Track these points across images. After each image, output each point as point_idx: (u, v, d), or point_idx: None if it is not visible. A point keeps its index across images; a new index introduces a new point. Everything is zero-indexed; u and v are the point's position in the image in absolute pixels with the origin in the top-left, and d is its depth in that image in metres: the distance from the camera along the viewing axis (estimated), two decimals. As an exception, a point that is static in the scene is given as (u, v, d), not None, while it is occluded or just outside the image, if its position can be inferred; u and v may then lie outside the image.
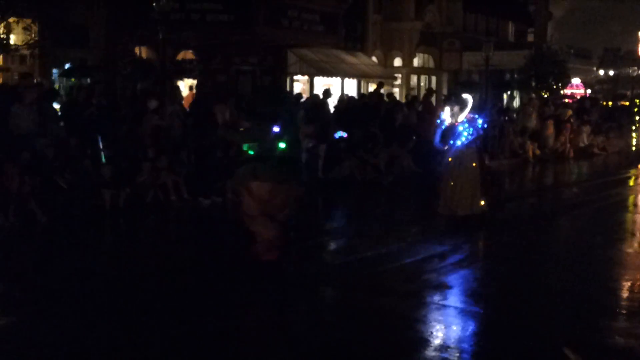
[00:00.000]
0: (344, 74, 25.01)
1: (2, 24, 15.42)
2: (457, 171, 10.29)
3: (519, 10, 37.54)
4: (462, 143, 10.29)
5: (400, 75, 29.30)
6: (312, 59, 24.03)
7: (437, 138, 10.45)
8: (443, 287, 7.50)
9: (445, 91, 30.85)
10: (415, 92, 27.60)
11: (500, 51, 30.07)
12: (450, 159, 10.32)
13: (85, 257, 8.55)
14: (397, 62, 29.75)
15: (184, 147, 13.05)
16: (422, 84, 30.66)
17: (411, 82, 30.23)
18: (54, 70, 18.88)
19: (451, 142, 10.33)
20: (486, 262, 8.90)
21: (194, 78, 21.49)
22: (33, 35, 15.99)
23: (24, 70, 16.10)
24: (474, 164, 10.28)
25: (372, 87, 24.90)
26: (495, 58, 28.00)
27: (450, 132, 10.33)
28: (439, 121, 10.50)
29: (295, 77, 24.52)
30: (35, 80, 16.03)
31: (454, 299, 7.21)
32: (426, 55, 31.08)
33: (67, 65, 19.32)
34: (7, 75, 18.05)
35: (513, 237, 10.33)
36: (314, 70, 24.03)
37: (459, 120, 10.27)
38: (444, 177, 10.45)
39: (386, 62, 29.11)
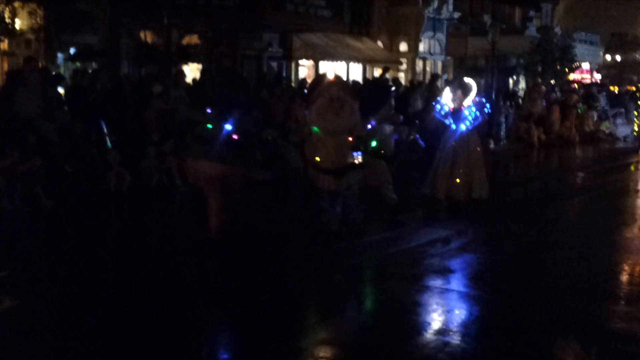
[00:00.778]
0: (349, 59, 24.94)
1: (8, 9, 15.42)
2: (461, 155, 10.26)
3: (525, -6, 37.28)
4: (467, 127, 10.26)
5: (405, 60, 29.21)
6: (317, 44, 23.96)
7: (437, 114, 10.43)
8: (446, 272, 7.54)
9: (450, 76, 30.77)
10: (420, 77, 27.51)
11: (506, 36, 29.95)
12: (453, 143, 10.28)
13: (89, 242, 8.60)
14: (403, 47, 29.64)
15: (188, 131, 13.03)
16: (427, 69, 30.55)
17: (417, 67, 30.12)
18: (59, 55, 18.86)
19: (454, 126, 10.29)
20: (489, 247, 8.92)
21: (199, 63, 21.48)
22: (38, 20, 16.00)
23: (30, 55, 16.09)
24: (478, 149, 10.30)
25: (377, 72, 24.83)
26: (501, 43, 27.88)
27: (455, 115, 10.30)
28: (438, 106, 10.45)
29: (300, 62, 24.47)
30: (40, 65, 16.06)
31: (457, 283, 7.29)
32: (432, 41, 30.95)
33: (72, 50, 19.31)
34: (12, 59, 18.06)
35: (516, 221, 10.35)
36: (319, 54, 23.97)
37: (465, 104, 10.24)
38: (443, 160, 10.36)
39: (392, 47, 29.01)
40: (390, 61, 26.26)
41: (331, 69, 23.26)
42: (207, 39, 21.89)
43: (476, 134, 10.35)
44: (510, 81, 32.91)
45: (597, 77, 38.82)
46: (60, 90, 13.43)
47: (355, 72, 25.56)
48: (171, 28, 16.43)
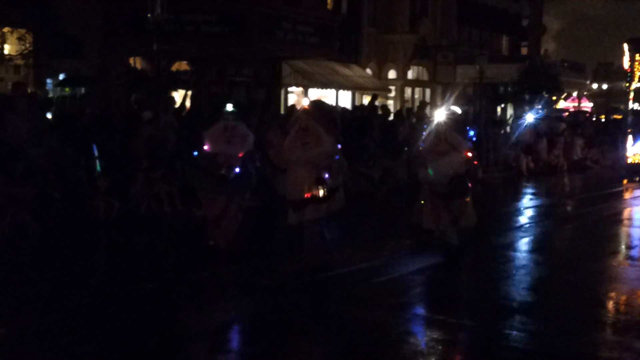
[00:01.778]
0: (338, 86, 25.06)
1: (-3, 34, 15.44)
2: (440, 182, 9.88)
3: (512, 23, 37.72)
4: None
5: (394, 88, 29.38)
6: (306, 71, 24.06)
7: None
8: (431, 301, 7.51)
9: (438, 104, 30.93)
10: (409, 105, 27.65)
11: (494, 64, 30.18)
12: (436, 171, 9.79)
13: (77, 269, 8.53)
14: (392, 74, 29.83)
15: (177, 157, 13.04)
16: (416, 96, 30.74)
17: (405, 95, 30.30)
18: (48, 81, 18.87)
19: None
20: (476, 276, 8.91)
21: (188, 89, 21.49)
22: (27, 45, 16.01)
23: (18, 80, 16.08)
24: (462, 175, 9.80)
25: (366, 99, 24.95)
26: (489, 71, 28.08)
27: None
28: (424, 134, 9.97)
29: (289, 89, 24.56)
30: (29, 90, 16.03)
31: (442, 312, 7.19)
32: (420, 68, 31.19)
33: (61, 76, 19.32)
34: (1, 85, 18.04)
35: (504, 249, 10.35)
36: (308, 82, 24.06)
37: None
38: (426, 189, 9.86)
39: (380, 74, 29.20)
40: (379, 88, 26.41)
41: (317, 96, 23.36)
42: (196, 66, 21.96)
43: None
44: (499, 109, 33.11)
45: (589, 105, 39.06)
46: (49, 115, 13.40)
47: (344, 99, 25.67)
48: (160, 54, 16.45)
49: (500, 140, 21.35)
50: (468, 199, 9.81)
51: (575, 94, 39.05)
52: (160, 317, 6.69)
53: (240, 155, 9.07)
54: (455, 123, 9.76)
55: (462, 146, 9.10)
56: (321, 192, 8.29)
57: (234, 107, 9.19)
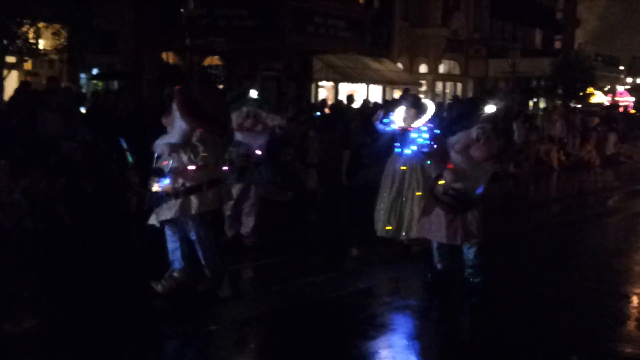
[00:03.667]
0: (369, 80, 25.04)
1: (32, 29, 15.62)
2: (405, 186, 8.88)
3: (546, 17, 37.34)
4: (413, 152, 8.79)
5: (425, 82, 29.27)
6: (337, 65, 24.08)
7: (380, 125, 9.03)
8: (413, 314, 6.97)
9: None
10: (440, 99, 27.54)
11: (526, 58, 29.95)
12: (400, 168, 8.90)
13: (110, 261, 8.65)
14: (423, 68, 29.72)
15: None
16: (447, 90, 30.61)
17: (437, 89, 30.19)
18: (82, 75, 19.09)
19: (399, 149, 8.91)
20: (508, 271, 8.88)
21: (220, 84, 21.63)
22: (62, 40, 16.17)
23: (52, 75, 16.29)
24: (423, 179, 8.67)
25: (397, 94, 24.90)
26: (521, 65, 27.91)
27: (402, 136, 8.86)
28: (386, 120, 9.00)
29: (320, 83, 24.59)
30: (63, 85, 16.24)
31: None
32: (452, 62, 31.03)
33: (95, 70, 19.54)
34: (36, 79, 18.29)
35: (527, 246, 10.29)
36: (339, 76, 24.08)
37: (414, 125, 8.81)
38: (387, 190, 8.97)
39: (412, 68, 29.10)
40: (410, 83, 26.34)
41: (348, 90, 23.36)
42: (228, 60, 22.09)
43: (422, 162, 8.57)
44: (531, 103, 32.84)
45: (630, 99, 38.37)
46: (82, 109, 13.59)
47: (375, 93, 25.64)
48: (193, 49, 16.60)
49: (531, 135, 21.18)
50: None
51: (607, 88, 38.53)
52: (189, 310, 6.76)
53: (261, 145, 8.79)
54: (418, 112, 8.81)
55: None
56: (155, 187, 6.82)
57: (258, 94, 8.82)
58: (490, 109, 7.10)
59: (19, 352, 5.62)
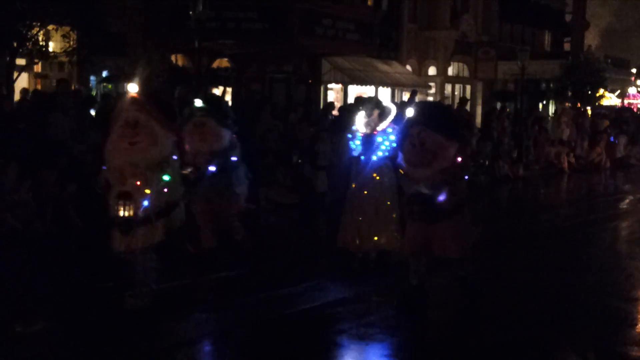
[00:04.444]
0: (377, 83, 25.01)
1: (42, 32, 15.68)
2: (372, 195, 8.35)
3: (555, 19, 37.26)
4: (379, 158, 8.29)
5: (434, 84, 29.23)
6: (346, 67, 24.06)
7: (350, 150, 8.45)
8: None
9: (479, 100, 30.71)
10: (449, 102, 27.49)
11: (536, 60, 29.87)
12: (368, 176, 8.35)
13: (121, 264, 8.61)
14: (432, 70, 29.68)
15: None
16: (456, 93, 30.55)
17: (445, 91, 30.14)
18: (92, 78, 19.14)
19: (364, 157, 8.35)
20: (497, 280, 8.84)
21: (229, 86, 21.66)
22: (71, 43, 16.23)
23: (62, 77, 16.34)
24: (391, 187, 8.25)
25: (405, 96, 24.86)
26: (530, 67, 27.82)
27: (366, 143, 8.33)
28: (349, 135, 8.47)
29: (329, 86, 24.58)
30: (73, 87, 16.29)
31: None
32: (461, 64, 30.98)
33: (104, 73, 19.59)
34: (45, 82, 18.34)
35: (537, 249, 10.25)
36: (347, 78, 24.06)
37: (378, 129, 8.32)
38: (352, 199, 8.45)
39: (420, 70, 29.06)
40: (419, 85, 26.30)
41: (357, 92, 23.35)
42: (237, 62, 22.11)
43: (391, 169, 8.10)
44: (540, 106, 32.76)
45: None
46: (92, 112, 13.61)
47: (384, 95, 25.61)
48: (201, 51, 16.60)
49: (541, 137, 21.12)
50: (397, 215, 8.23)
51: (618, 91, 38.41)
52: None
53: (209, 153, 8.06)
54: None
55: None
56: (122, 211, 6.42)
57: (203, 102, 8.25)
58: (408, 112, 6.73)
59: (29, 353, 5.62)
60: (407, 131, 6.68)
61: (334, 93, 24.90)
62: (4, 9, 14.26)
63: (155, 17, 20.36)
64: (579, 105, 26.41)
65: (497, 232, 11.57)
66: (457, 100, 26.00)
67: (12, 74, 15.19)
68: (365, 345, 6.18)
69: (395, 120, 8.22)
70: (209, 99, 8.70)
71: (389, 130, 8.21)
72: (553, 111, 29.10)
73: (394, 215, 8.23)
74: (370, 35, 24.69)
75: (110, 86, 18.98)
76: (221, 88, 21.34)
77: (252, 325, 6.49)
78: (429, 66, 29.54)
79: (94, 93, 17.56)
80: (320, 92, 23.92)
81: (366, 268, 8.33)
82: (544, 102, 33.15)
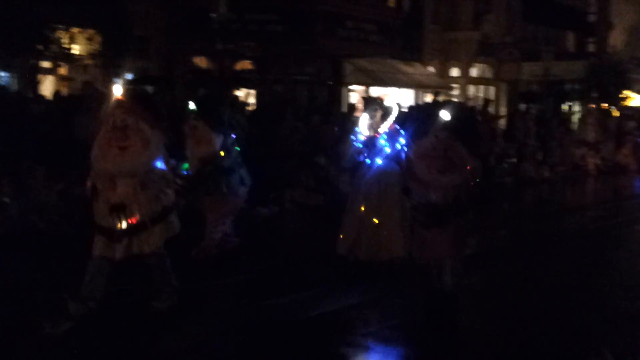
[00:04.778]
0: (400, 84, 24.92)
1: (66, 34, 15.80)
2: (378, 200, 8.05)
3: (579, 19, 36.97)
4: (384, 161, 8.01)
5: (457, 86, 29.09)
6: (368, 69, 24.01)
7: (350, 155, 8.31)
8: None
9: (503, 102, 30.52)
10: (472, 103, 27.34)
11: (560, 61, 29.63)
12: (367, 183, 8.09)
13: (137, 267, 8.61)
14: (455, 72, 29.55)
15: (244, 155, 13.12)
16: (479, 94, 30.38)
17: (468, 93, 29.99)
18: (116, 80, 19.24)
19: (368, 160, 8.09)
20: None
21: (252, 88, 21.69)
22: (96, 45, 16.35)
23: (87, 80, 16.45)
24: (398, 192, 7.69)
25: (428, 98, 24.76)
26: (555, 68, 27.61)
27: (369, 146, 8.10)
28: (352, 137, 8.24)
29: (351, 87, 24.54)
30: (97, 89, 16.36)
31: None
32: (484, 66, 30.81)
33: (128, 75, 19.69)
34: (70, 84, 18.46)
35: (562, 252, 10.13)
36: (370, 80, 24.00)
37: (380, 131, 8.08)
38: (354, 205, 8.16)
39: (443, 72, 28.94)
40: (442, 86, 26.19)
41: (379, 94, 23.29)
42: (259, 65, 22.13)
43: (396, 173, 7.64)
44: (565, 107, 32.49)
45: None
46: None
47: (406, 97, 25.52)
48: (224, 54, 16.65)
49: (566, 139, 20.93)
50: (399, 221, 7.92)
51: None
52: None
53: (198, 158, 8.04)
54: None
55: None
56: (119, 224, 6.18)
57: (195, 105, 8.21)
58: (444, 115, 6.39)
59: (58, 354, 5.61)
60: (431, 133, 6.33)
61: (356, 95, 24.85)
62: (29, 12, 14.38)
63: (177, 19, 20.45)
64: (604, 106, 26.11)
65: (523, 234, 11.50)
66: (480, 102, 25.85)
67: (37, 77, 15.31)
68: (380, 351, 6.06)
69: (397, 121, 8.06)
70: (202, 101, 8.62)
71: (387, 133, 7.99)
72: (578, 112, 28.79)
73: (400, 221, 7.85)
74: (393, 36, 24.65)
75: (133, 88, 19.04)
76: (244, 90, 21.37)
77: (259, 331, 6.29)
78: (452, 67, 29.41)
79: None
80: (342, 94, 23.88)
81: (370, 275, 7.91)
82: (569, 103, 32.86)
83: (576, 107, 31.50)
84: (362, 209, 8.04)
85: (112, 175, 6.14)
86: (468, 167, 6.35)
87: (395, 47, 24.91)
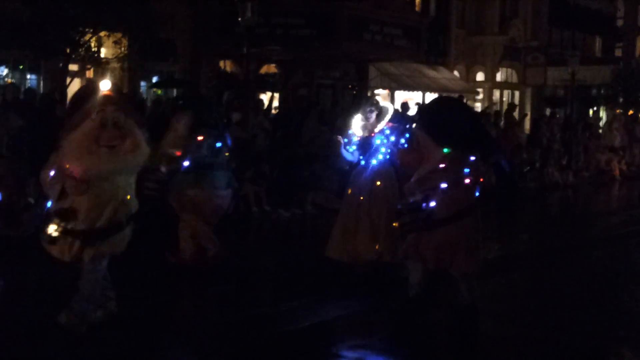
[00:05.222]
0: (425, 88, 24.90)
1: (94, 38, 15.98)
2: (369, 202, 7.74)
3: (606, 24, 36.66)
4: (379, 162, 7.81)
5: (482, 90, 29.00)
6: (393, 73, 24.02)
7: (345, 152, 7.98)
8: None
9: (528, 107, 30.36)
10: (497, 107, 27.23)
11: (586, 66, 29.43)
12: (366, 182, 7.82)
13: (167, 268, 8.69)
14: (480, 76, 29.46)
15: (267, 158, 13.24)
16: (504, 99, 30.25)
17: (494, 97, 29.87)
18: (142, 83, 19.42)
19: (363, 160, 7.87)
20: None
21: (276, 92, 21.78)
22: (123, 49, 16.52)
23: (114, 82, 16.63)
24: (393, 193, 7.62)
25: (453, 102, 24.70)
26: (581, 73, 27.41)
27: (364, 146, 7.85)
28: (345, 139, 7.95)
29: (376, 91, 24.55)
30: (124, 92, 16.54)
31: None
32: (509, 70, 30.68)
33: (154, 78, 19.88)
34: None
35: (586, 258, 10.08)
36: (395, 84, 24.01)
37: (376, 130, 7.84)
38: (349, 207, 7.90)
39: (468, 76, 28.86)
40: (467, 91, 26.12)
41: (404, 98, 23.28)
42: (284, 68, 22.23)
43: (391, 172, 7.69)
44: (591, 112, 32.25)
45: None
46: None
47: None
48: (250, 57, 16.74)
49: (591, 144, 20.81)
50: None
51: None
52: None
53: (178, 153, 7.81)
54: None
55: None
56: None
57: (184, 102, 8.18)
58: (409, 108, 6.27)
59: (90, 350, 5.62)
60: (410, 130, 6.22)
61: (380, 99, 24.86)
62: (57, 15, 14.58)
63: (204, 23, 20.58)
64: (631, 112, 25.90)
65: (547, 239, 11.46)
66: (505, 107, 25.75)
67: (65, 80, 15.50)
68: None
69: (393, 120, 7.88)
70: (189, 99, 8.60)
71: (387, 131, 7.75)
72: (604, 117, 28.59)
73: (395, 224, 7.08)
74: (418, 40, 24.58)
75: (159, 92, 19.23)
76: (268, 94, 21.47)
77: (248, 343, 5.98)
78: (477, 72, 29.32)
79: (145, 98, 17.82)
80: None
81: (364, 281, 7.62)
82: (595, 108, 32.61)
83: (602, 112, 31.26)
84: (355, 210, 7.79)
85: (87, 176, 5.58)
86: (442, 167, 5.96)
87: (420, 51, 24.85)
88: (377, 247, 7.65)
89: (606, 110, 30.89)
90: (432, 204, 5.96)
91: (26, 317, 6.23)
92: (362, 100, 8.61)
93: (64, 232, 5.68)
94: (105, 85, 5.80)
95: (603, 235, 12.05)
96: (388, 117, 7.83)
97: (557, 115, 23.15)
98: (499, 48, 28.88)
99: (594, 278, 8.79)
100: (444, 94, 26.17)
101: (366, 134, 7.80)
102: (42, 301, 6.74)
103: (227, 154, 8.12)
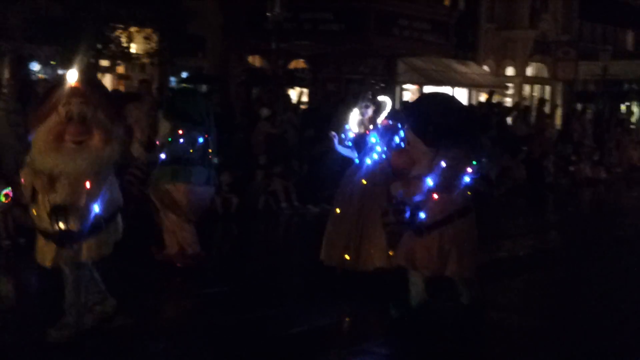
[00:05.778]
0: (454, 83, 24.75)
1: (125, 34, 16.11)
2: (370, 204, 7.25)
3: (638, 17, 36.15)
4: (375, 161, 7.31)
5: (512, 85, 28.77)
6: (422, 68, 23.91)
7: (340, 148, 7.65)
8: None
9: (559, 102, 30.08)
10: (528, 102, 27.01)
11: (618, 60, 29.07)
12: (360, 182, 7.37)
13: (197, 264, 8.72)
14: (510, 71, 29.22)
15: (297, 154, 13.25)
16: (534, 94, 29.99)
17: (524, 92, 29.62)
18: (172, 78, 19.55)
19: (358, 159, 7.45)
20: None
21: (305, 87, 21.79)
22: (153, 45, 16.63)
23: (144, 78, 16.75)
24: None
25: (482, 97, 24.55)
26: (613, 67, 27.08)
27: (359, 143, 7.43)
28: (343, 135, 7.57)
29: (405, 86, 24.46)
30: (154, 87, 16.66)
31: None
32: (540, 65, 30.40)
33: (184, 74, 19.99)
34: (127, 82, 18.81)
35: (617, 257, 9.96)
36: (423, 79, 23.89)
37: (371, 127, 7.40)
38: (343, 209, 7.46)
39: (498, 71, 28.64)
40: (497, 86, 25.93)
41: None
42: (313, 63, 22.23)
43: (388, 173, 6.75)
44: (623, 107, 31.87)
45: None
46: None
47: (460, 96, 25.34)
48: (279, 52, 16.77)
49: (624, 140, 20.57)
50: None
51: None
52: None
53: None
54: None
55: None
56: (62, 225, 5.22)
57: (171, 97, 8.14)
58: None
59: (106, 349, 5.62)
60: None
61: (409, 94, 24.77)
62: (88, 12, 14.71)
63: (233, 18, 20.64)
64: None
65: (580, 236, 11.36)
66: (535, 101, 25.53)
67: (96, 75, 15.62)
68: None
69: (390, 116, 7.45)
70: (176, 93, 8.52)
71: (378, 128, 7.33)
72: (636, 113, 28.24)
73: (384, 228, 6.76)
74: (447, 35, 24.45)
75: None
76: (297, 89, 21.49)
77: (242, 347, 5.77)
78: (507, 66, 29.08)
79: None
80: (395, 93, 23.82)
81: (357, 286, 7.23)
82: (627, 103, 32.21)
83: (634, 108, 30.87)
84: (348, 212, 7.40)
85: (54, 174, 5.21)
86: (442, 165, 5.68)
87: (449, 46, 24.71)
88: (367, 252, 7.27)
89: (638, 105, 30.51)
90: (422, 214, 5.75)
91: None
92: (360, 94, 7.94)
93: (41, 234, 5.35)
94: (72, 77, 5.31)
95: (634, 231, 11.89)
96: (386, 112, 7.42)
97: (589, 110, 22.90)
98: (529, 42, 28.61)
99: (623, 276, 8.66)
100: (474, 89, 26.07)
101: (362, 130, 7.40)
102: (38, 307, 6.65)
103: (209, 150, 7.96)
